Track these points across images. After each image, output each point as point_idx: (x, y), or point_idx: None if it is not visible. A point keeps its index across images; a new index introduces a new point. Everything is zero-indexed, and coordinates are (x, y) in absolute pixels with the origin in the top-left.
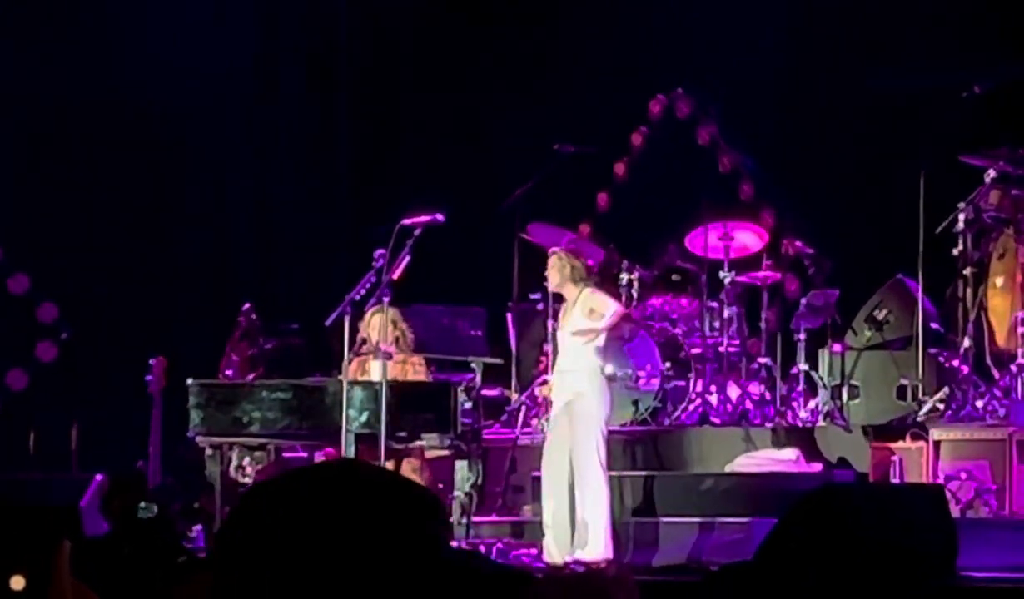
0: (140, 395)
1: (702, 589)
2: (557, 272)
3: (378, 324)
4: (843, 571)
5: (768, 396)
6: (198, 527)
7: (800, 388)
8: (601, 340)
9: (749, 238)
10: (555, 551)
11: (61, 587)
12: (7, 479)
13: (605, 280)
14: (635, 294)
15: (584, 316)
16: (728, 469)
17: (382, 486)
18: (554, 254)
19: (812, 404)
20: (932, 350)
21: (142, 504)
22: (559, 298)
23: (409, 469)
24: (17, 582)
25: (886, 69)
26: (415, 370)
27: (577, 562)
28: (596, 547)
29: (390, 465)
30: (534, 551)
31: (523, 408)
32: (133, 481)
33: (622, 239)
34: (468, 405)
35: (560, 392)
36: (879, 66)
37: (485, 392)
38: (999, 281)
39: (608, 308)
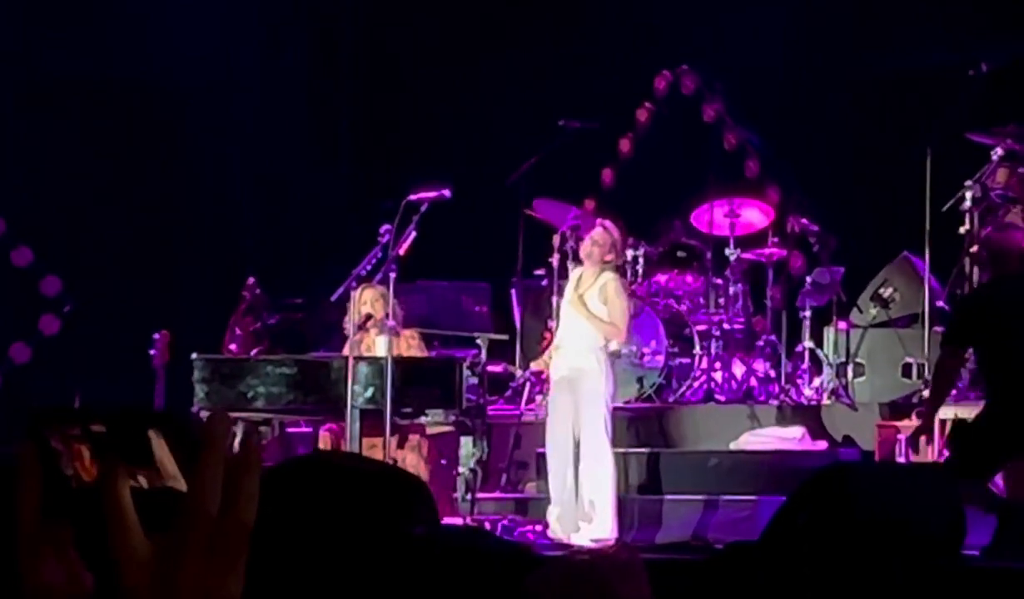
0: (143, 369)
1: (708, 569)
2: (600, 248)
3: (369, 299)
4: (850, 552)
5: (773, 374)
6: None
7: (805, 366)
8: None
9: (755, 215)
10: (559, 528)
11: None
12: (10, 453)
13: None
14: (640, 270)
15: (599, 301)
16: (733, 446)
17: (357, 475)
18: (607, 233)
19: (817, 382)
20: (938, 328)
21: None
22: (564, 273)
23: (412, 445)
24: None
25: (891, 52)
26: (408, 344)
27: (582, 550)
28: (604, 525)
29: (394, 441)
30: (539, 527)
31: (528, 384)
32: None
33: (627, 215)
34: (473, 381)
35: (561, 367)
36: (885, 46)
37: (490, 368)
38: None
39: (617, 315)
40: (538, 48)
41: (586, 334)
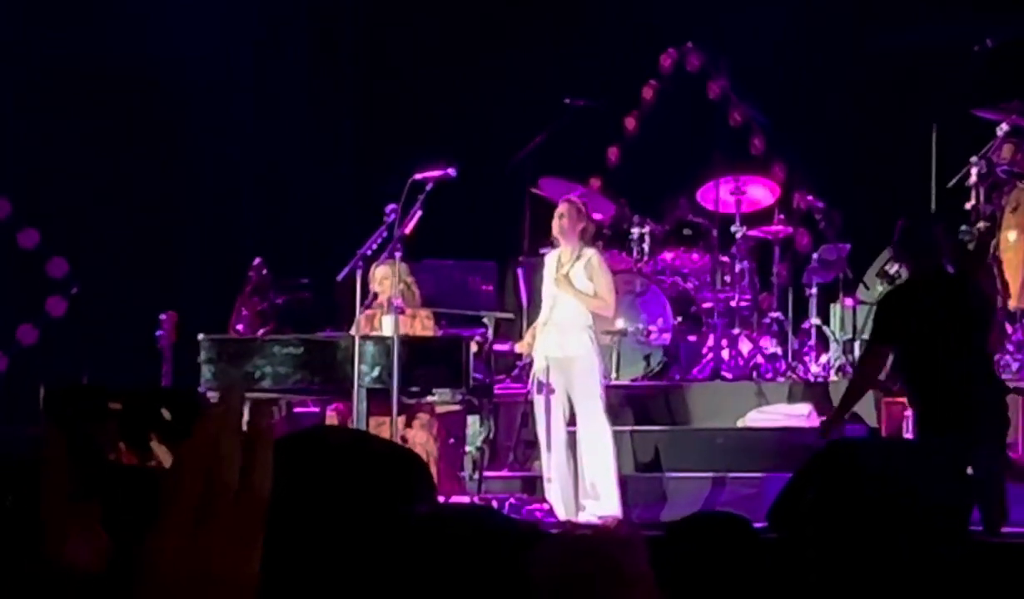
0: (150, 350)
1: (690, 530)
2: (570, 223)
3: (379, 277)
4: (857, 526)
5: (780, 351)
6: None
7: (812, 342)
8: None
9: (760, 192)
10: (563, 510)
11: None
12: (17, 435)
13: (616, 235)
14: (646, 248)
15: (585, 277)
16: (740, 424)
17: (356, 452)
18: (570, 204)
19: (824, 359)
20: None
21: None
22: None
23: (422, 423)
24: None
25: (894, 29)
26: (423, 324)
27: (583, 525)
28: (610, 502)
29: (401, 420)
30: (546, 506)
31: (534, 363)
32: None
33: (633, 193)
34: (480, 360)
35: (549, 347)
36: (890, 22)
37: (496, 347)
38: (1012, 235)
39: (604, 289)
40: (542, 27)
41: (574, 313)
